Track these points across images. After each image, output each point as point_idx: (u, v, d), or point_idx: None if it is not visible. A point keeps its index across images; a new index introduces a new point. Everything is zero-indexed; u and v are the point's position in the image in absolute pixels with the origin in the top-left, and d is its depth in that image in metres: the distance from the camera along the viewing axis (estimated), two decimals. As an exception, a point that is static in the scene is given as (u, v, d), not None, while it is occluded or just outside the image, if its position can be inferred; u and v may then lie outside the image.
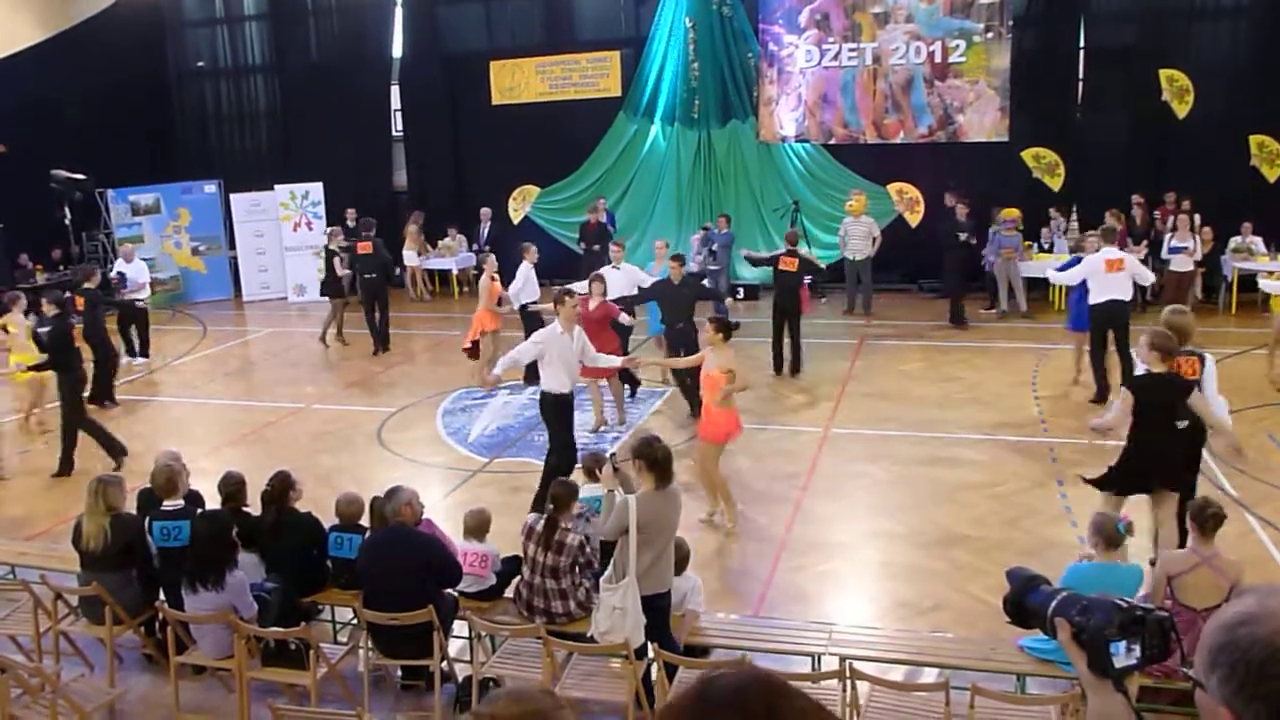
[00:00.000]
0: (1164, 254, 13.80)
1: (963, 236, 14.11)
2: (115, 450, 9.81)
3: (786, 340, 12.14)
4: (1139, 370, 6.62)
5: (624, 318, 10.56)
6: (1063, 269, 11.18)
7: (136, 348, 13.86)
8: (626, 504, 5.25)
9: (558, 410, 8.30)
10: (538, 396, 8.58)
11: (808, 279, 12.78)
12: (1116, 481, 6.48)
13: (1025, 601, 1.96)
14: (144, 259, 17.97)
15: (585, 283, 10.71)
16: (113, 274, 14.00)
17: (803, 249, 13.05)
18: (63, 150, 17.38)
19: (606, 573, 5.43)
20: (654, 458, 5.30)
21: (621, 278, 11.26)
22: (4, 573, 7.23)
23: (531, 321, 11.21)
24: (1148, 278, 10.65)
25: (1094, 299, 10.30)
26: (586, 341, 8.53)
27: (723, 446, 7.95)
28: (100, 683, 5.93)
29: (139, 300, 13.76)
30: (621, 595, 5.23)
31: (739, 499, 8.16)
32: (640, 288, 11.26)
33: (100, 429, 9.95)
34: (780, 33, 16.60)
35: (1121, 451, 6.49)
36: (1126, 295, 10.26)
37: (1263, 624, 1.43)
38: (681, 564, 5.82)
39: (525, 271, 11.89)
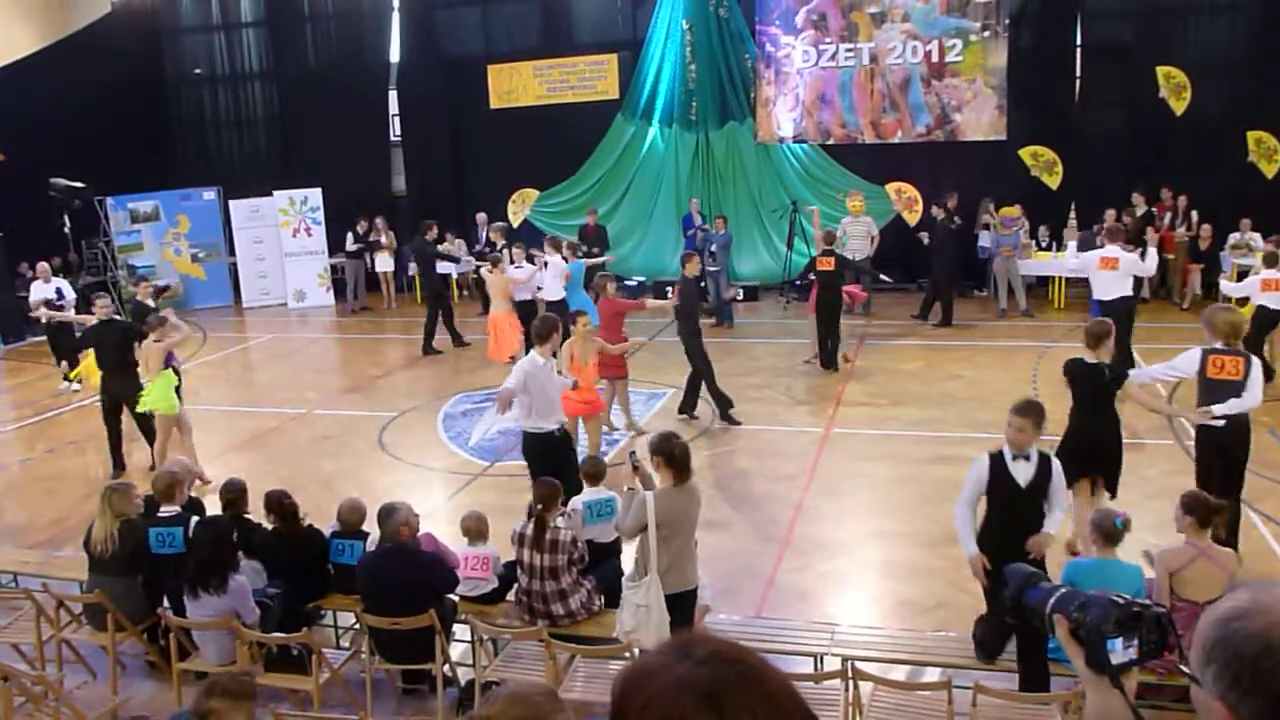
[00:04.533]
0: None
1: (954, 226, 14.17)
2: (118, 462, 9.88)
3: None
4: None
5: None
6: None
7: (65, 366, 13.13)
8: (645, 501, 5.25)
9: (539, 451, 7.34)
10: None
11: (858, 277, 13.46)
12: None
13: (1024, 599, 1.97)
14: (144, 265, 18.08)
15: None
16: (46, 296, 13.47)
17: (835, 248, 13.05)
18: (62, 158, 17.38)
19: (629, 571, 5.42)
20: (672, 454, 5.29)
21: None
22: (6, 580, 7.24)
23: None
24: (1148, 270, 10.64)
25: (1096, 296, 10.36)
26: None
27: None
28: (103, 690, 5.93)
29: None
30: (644, 593, 5.22)
31: (743, 500, 8.17)
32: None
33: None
34: (777, 33, 16.61)
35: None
36: (1124, 292, 10.27)
37: (1256, 618, 1.43)
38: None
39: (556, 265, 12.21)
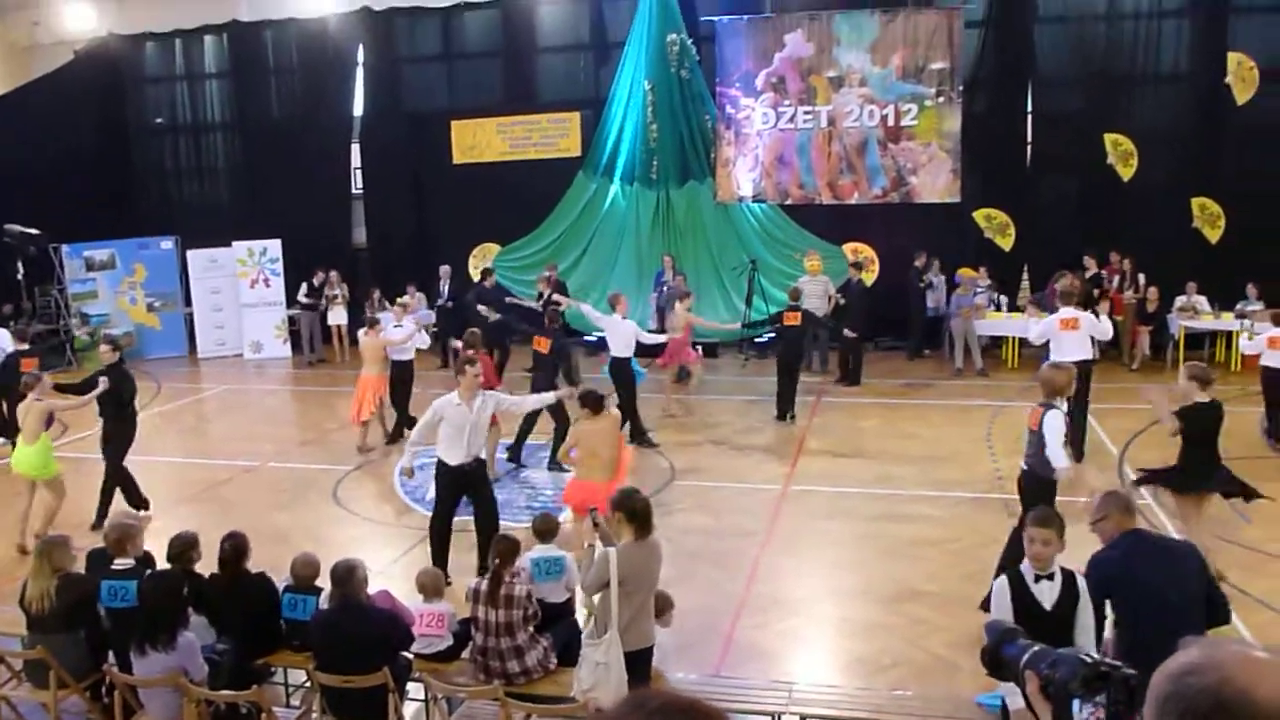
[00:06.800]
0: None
1: (923, 284, 14.71)
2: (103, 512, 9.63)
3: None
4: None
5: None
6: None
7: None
8: (607, 556, 5.22)
9: (448, 480, 7.98)
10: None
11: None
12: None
13: (1001, 653, 2.00)
14: (98, 314, 17.85)
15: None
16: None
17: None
18: (18, 205, 17.23)
19: (588, 629, 5.37)
20: (634, 509, 5.28)
21: (627, 330, 11.60)
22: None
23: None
24: (1106, 333, 10.84)
25: (1055, 358, 10.50)
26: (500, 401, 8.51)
27: None
28: (43, 750, 5.75)
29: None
30: (604, 650, 5.18)
31: (700, 557, 8.16)
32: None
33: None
34: (737, 95, 16.92)
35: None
36: (1084, 354, 10.43)
37: (1207, 674, 1.45)
38: (662, 613, 5.80)
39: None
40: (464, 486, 8.01)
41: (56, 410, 9.52)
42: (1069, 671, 1.80)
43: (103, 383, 9.52)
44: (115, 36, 19.50)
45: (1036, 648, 1.94)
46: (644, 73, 17.14)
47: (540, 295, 15.11)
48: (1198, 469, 7.45)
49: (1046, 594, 4.69)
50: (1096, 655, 1.85)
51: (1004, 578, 4.86)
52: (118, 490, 9.79)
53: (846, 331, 14.48)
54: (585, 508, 7.29)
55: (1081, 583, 4.71)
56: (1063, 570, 4.74)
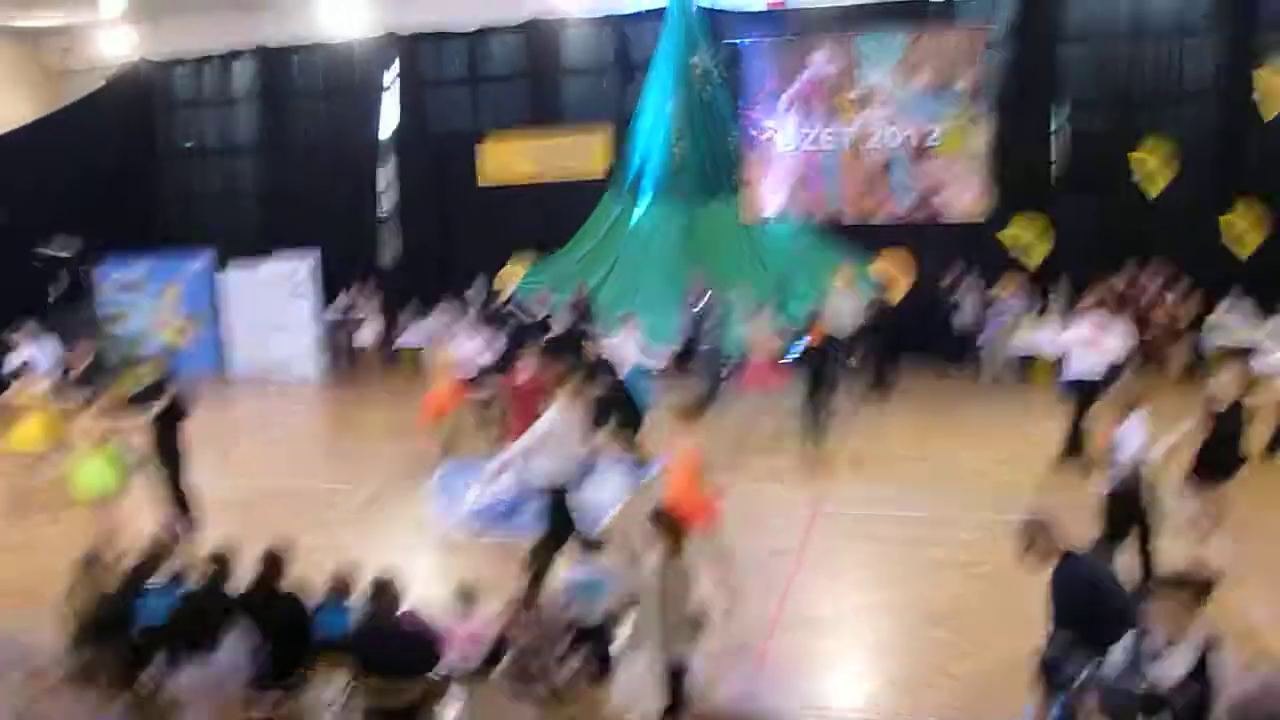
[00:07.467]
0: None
1: (951, 302, 14.87)
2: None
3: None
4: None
5: None
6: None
7: None
8: (644, 571, 5.24)
9: (557, 498, 7.91)
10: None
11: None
12: None
13: (1060, 665, 2.01)
14: (130, 334, 18.07)
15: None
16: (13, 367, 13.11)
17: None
18: (53, 226, 17.53)
19: (625, 643, 5.39)
20: (672, 525, 5.31)
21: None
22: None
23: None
24: (1118, 353, 10.79)
25: (1069, 375, 10.50)
26: None
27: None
28: (81, 764, 5.80)
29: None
30: (640, 665, 5.19)
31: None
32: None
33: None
34: (761, 116, 16.97)
35: None
36: (1096, 374, 10.39)
37: (1266, 703, 1.47)
38: (696, 630, 5.79)
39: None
40: (566, 504, 7.96)
41: (115, 429, 9.60)
42: (1128, 697, 1.80)
43: (156, 404, 9.63)
44: (146, 62, 19.79)
45: (1099, 665, 1.94)
46: (669, 93, 17.23)
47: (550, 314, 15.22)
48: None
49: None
50: (1150, 683, 1.85)
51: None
52: (186, 493, 10.05)
53: (851, 361, 14.38)
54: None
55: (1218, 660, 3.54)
56: (1200, 640, 3.66)
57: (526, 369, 10.42)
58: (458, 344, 12.55)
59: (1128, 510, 7.13)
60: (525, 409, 9.98)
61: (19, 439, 11.02)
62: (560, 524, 7.84)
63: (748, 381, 12.85)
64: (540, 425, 7.80)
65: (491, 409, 12.36)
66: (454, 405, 12.12)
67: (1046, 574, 4.94)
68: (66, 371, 12.04)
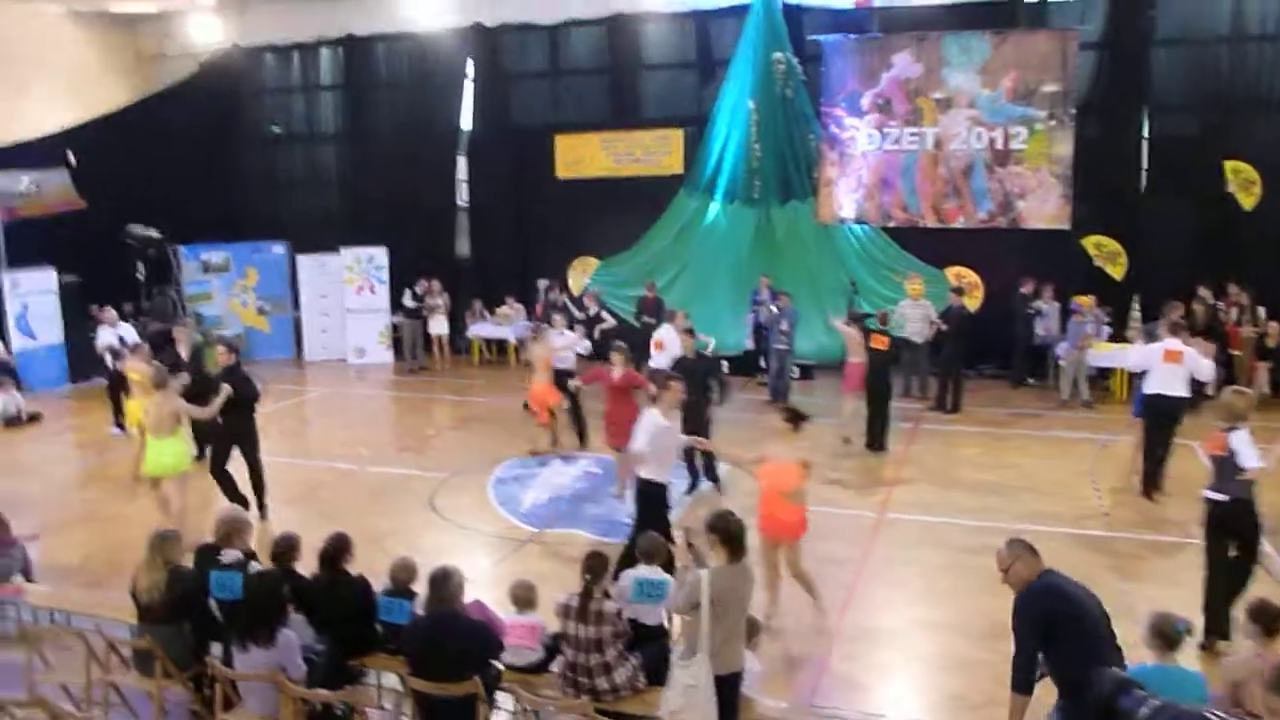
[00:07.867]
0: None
1: (1031, 311, 14.67)
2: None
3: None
4: None
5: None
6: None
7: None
8: (699, 578, 5.21)
9: (657, 500, 7.97)
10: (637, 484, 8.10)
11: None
12: None
13: (1117, 703, 1.94)
14: (211, 316, 18.55)
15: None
16: (110, 342, 14.31)
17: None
18: (140, 207, 18.05)
19: (678, 650, 5.36)
20: (728, 531, 5.27)
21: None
22: (60, 619, 7.33)
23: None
24: (1205, 374, 10.41)
25: (1147, 389, 10.19)
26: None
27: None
28: (146, 737, 5.96)
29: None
30: (694, 672, 5.16)
31: (792, 583, 8.04)
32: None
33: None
34: (842, 115, 16.76)
35: None
36: (1180, 391, 10.07)
37: None
38: (751, 638, 5.75)
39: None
40: (666, 504, 8.02)
41: (185, 415, 9.77)
42: None
43: (224, 390, 9.82)
44: (238, 48, 20.24)
45: (1158, 702, 1.87)
46: (749, 91, 17.10)
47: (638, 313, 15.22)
48: None
49: None
50: (1220, 714, 1.78)
51: None
52: (264, 479, 10.30)
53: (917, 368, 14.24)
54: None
55: None
56: None
57: (618, 364, 10.45)
58: (554, 337, 12.59)
59: (1241, 520, 6.99)
60: (621, 404, 10.27)
61: (134, 416, 11.42)
62: (656, 522, 7.76)
63: (847, 385, 12.70)
64: (646, 424, 7.88)
65: (577, 404, 12.41)
66: (556, 398, 12.24)
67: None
68: (158, 350, 12.37)
